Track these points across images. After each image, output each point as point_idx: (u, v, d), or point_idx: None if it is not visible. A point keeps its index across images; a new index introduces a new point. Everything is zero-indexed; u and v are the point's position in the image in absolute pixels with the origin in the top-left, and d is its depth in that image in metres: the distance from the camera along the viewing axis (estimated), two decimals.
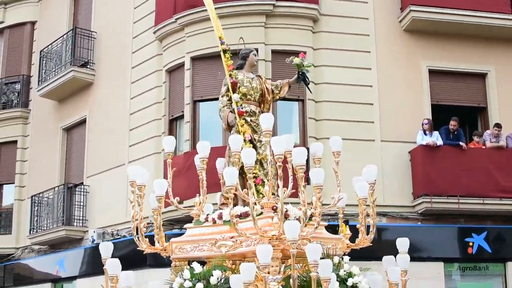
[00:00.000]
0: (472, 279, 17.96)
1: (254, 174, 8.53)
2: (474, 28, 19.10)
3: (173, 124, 19.31)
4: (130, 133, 20.52)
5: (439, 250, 17.56)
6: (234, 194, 7.94)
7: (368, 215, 8.89)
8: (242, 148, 8.23)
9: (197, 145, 9.23)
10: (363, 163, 17.54)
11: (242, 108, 9.58)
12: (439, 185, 17.61)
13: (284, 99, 17.57)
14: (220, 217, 8.73)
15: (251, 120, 9.58)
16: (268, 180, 8.65)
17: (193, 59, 18.38)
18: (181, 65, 19.02)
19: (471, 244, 17.73)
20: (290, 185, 8.10)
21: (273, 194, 8.45)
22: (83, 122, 23.29)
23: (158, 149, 18.91)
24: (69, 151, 24.11)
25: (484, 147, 18.52)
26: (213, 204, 9.63)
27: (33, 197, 23.97)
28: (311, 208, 8.04)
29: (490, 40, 19.51)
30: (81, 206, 22.07)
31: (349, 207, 16.87)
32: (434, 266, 17.46)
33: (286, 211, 8.29)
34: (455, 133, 18.22)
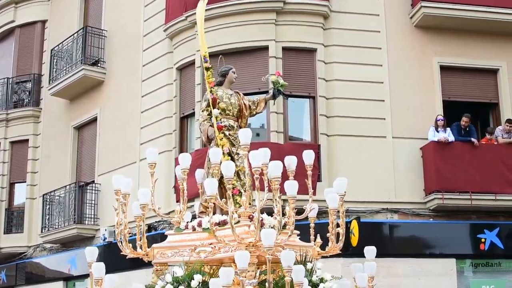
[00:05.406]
0: (484, 275, 17.89)
1: (232, 185, 8.97)
2: (485, 24, 19.00)
3: (184, 122, 19.34)
4: (141, 131, 20.58)
5: (451, 246, 17.50)
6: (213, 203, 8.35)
7: (338, 225, 9.25)
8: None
9: (178, 157, 9.60)
10: (375, 160, 17.83)
11: (221, 123, 9.95)
12: (451, 181, 17.56)
13: (294, 96, 17.89)
14: (199, 224, 9.13)
15: (229, 134, 9.96)
16: (245, 191, 8.89)
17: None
18: (192, 63, 19.05)
19: (483, 240, 17.66)
20: (266, 195, 8.35)
21: (249, 204, 8.79)
22: (94, 120, 23.37)
23: (169, 147, 18.97)
24: (80, 149, 24.21)
25: (496, 143, 18.44)
26: None
27: (45, 196, 24.06)
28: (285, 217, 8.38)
29: (501, 35, 19.37)
30: (93, 205, 22.17)
31: (361, 204, 17.14)
32: (446, 262, 17.41)
33: (262, 220, 8.67)
34: (467, 129, 18.15)
